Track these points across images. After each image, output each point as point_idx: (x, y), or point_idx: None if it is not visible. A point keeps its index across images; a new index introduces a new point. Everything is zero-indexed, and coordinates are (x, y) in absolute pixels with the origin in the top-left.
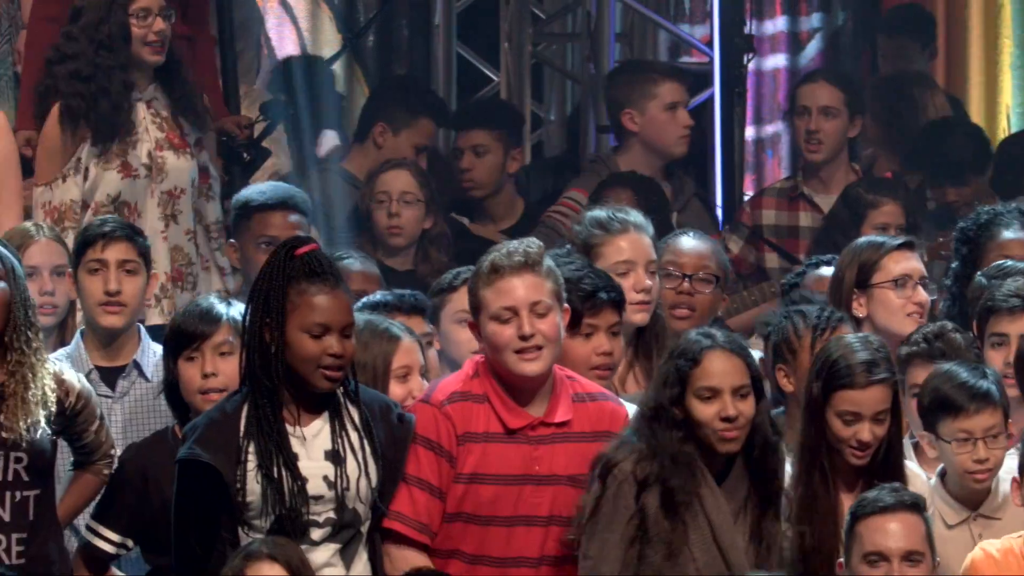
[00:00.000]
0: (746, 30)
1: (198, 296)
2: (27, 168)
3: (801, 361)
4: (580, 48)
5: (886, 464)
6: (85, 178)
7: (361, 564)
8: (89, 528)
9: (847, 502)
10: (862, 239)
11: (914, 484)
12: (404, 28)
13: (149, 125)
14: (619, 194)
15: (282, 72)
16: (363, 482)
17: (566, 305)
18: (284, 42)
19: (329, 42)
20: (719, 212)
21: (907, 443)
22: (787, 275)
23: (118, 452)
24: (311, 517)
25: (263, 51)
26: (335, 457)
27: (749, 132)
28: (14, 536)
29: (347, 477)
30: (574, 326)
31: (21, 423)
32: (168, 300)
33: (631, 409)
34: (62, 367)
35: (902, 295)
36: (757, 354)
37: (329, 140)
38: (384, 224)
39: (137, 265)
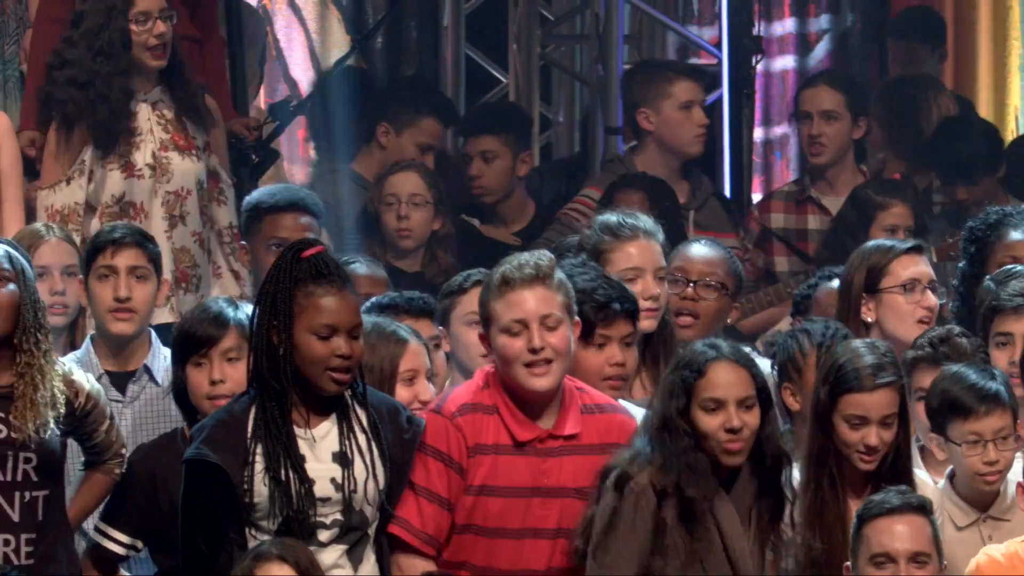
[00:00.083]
0: (754, 32)
1: (206, 300)
2: (30, 168)
3: (807, 379)
4: (589, 50)
5: (894, 470)
6: (90, 180)
7: (369, 565)
8: (98, 530)
9: (855, 509)
10: (870, 243)
11: (922, 491)
12: (413, 30)
13: (154, 126)
14: (631, 197)
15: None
16: (371, 484)
17: (577, 318)
18: (292, 44)
19: (337, 43)
20: None
21: (913, 446)
22: (800, 286)
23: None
24: (318, 519)
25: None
26: (343, 459)
27: (757, 134)
28: (23, 536)
29: (354, 479)
30: (587, 336)
31: (30, 424)
32: (172, 299)
33: (639, 414)
34: (71, 368)
35: (911, 300)
36: (765, 363)
37: None
38: (393, 226)
39: (147, 271)
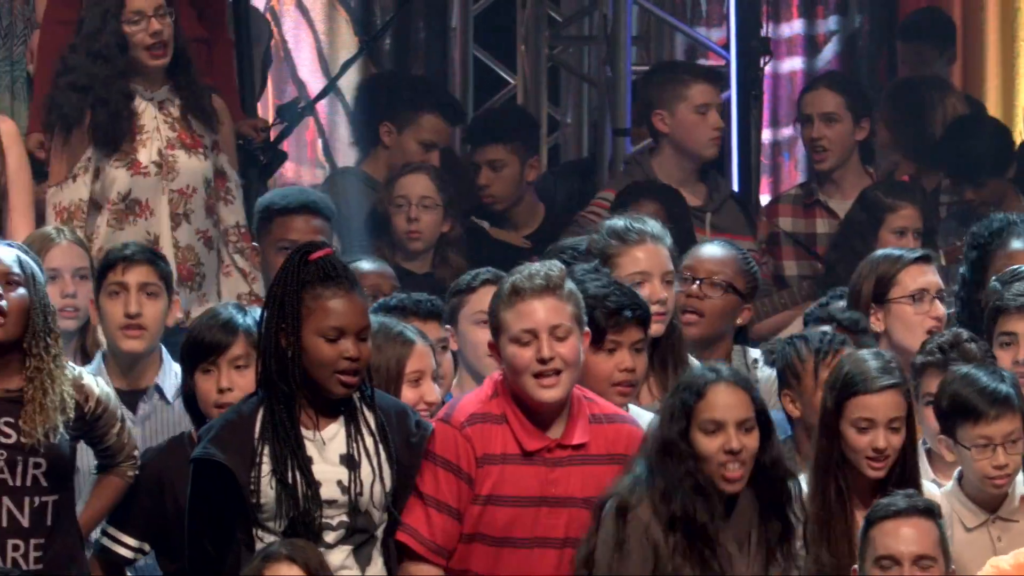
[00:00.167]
0: (763, 33)
1: (215, 306)
2: (41, 170)
3: (806, 386)
4: (597, 51)
5: (902, 479)
6: (96, 177)
7: (376, 567)
8: (105, 533)
9: (861, 521)
10: (879, 252)
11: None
12: (421, 31)
13: (160, 124)
14: (647, 207)
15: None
16: (377, 487)
17: (587, 329)
18: (300, 45)
19: (346, 45)
20: None
21: (920, 450)
22: (811, 305)
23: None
24: (324, 520)
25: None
26: (350, 461)
27: (765, 135)
28: (32, 541)
29: (361, 482)
30: (598, 342)
31: (39, 429)
32: (177, 296)
33: (646, 418)
34: (81, 371)
35: (920, 310)
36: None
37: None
38: (403, 228)
39: (158, 288)
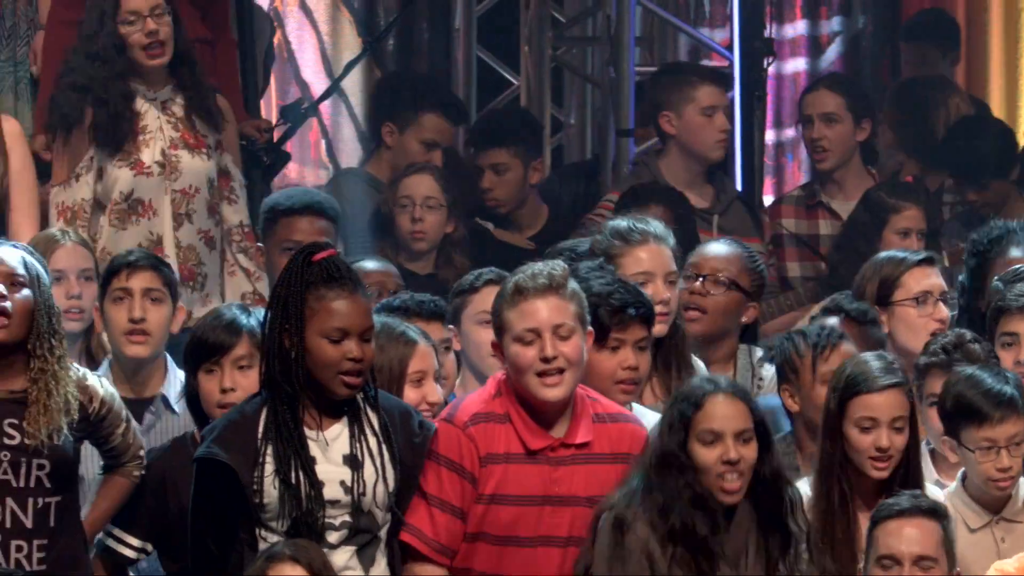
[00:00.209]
0: (766, 34)
1: (219, 307)
2: (46, 172)
3: (804, 380)
4: (600, 52)
5: (905, 481)
6: (99, 177)
7: (380, 568)
8: (109, 533)
9: (865, 524)
10: (882, 255)
11: None
12: (424, 31)
13: (163, 124)
14: (653, 211)
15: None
16: (380, 487)
17: (590, 328)
18: (304, 46)
19: (349, 45)
20: None
21: (924, 451)
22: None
23: None
24: (327, 520)
25: (281, 57)
26: (353, 462)
27: (769, 136)
28: (35, 542)
29: (364, 482)
30: (601, 339)
31: (43, 431)
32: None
33: (650, 420)
34: (85, 372)
35: (923, 312)
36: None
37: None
38: (407, 229)
39: (162, 294)
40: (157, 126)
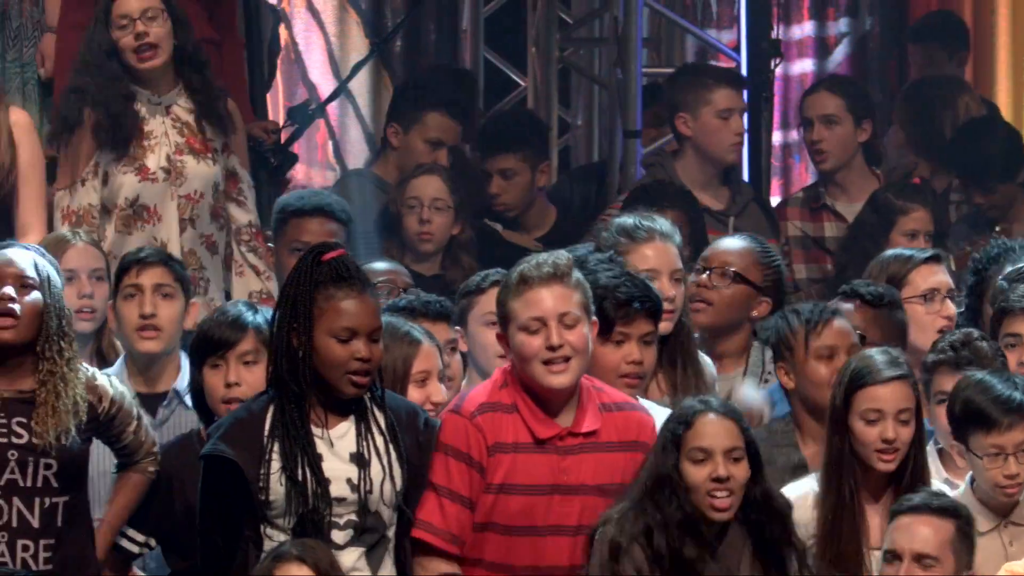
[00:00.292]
0: (773, 35)
1: (225, 304)
2: (52, 173)
3: (797, 356)
4: (607, 53)
5: (912, 476)
6: (104, 182)
7: (387, 568)
8: None
9: (873, 519)
10: (889, 252)
11: None
12: (431, 33)
13: (169, 129)
14: (667, 214)
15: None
16: (387, 486)
17: (594, 318)
18: (311, 47)
19: (356, 47)
20: None
21: (932, 449)
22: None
23: None
24: (332, 519)
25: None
26: (360, 460)
27: (776, 137)
28: (42, 542)
29: (371, 480)
30: (606, 333)
31: (51, 432)
32: None
33: (656, 413)
34: (95, 372)
35: (931, 310)
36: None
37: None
38: (415, 230)
39: (173, 290)
40: (162, 131)
